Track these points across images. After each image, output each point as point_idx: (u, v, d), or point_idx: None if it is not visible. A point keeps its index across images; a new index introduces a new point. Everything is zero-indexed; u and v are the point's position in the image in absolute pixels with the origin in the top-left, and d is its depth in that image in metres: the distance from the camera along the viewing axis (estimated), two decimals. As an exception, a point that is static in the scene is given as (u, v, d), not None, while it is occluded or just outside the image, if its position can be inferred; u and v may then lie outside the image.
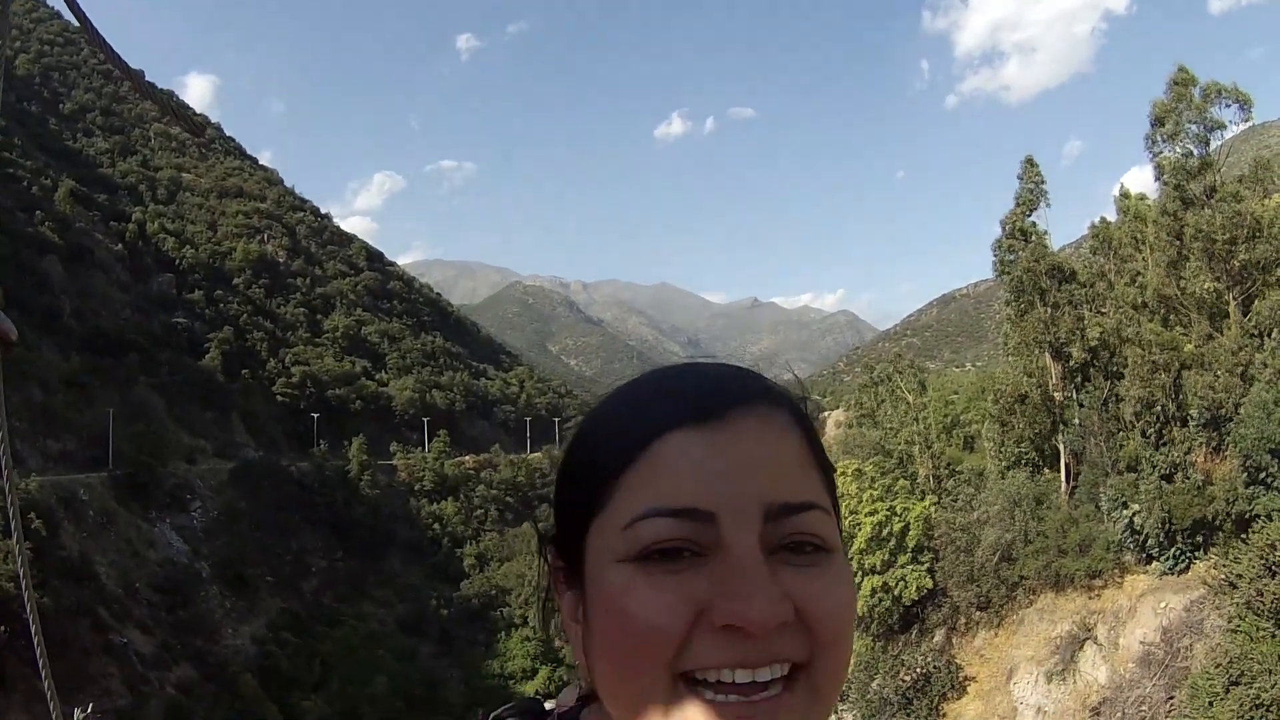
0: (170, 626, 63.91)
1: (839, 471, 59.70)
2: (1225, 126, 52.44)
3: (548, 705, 1.47)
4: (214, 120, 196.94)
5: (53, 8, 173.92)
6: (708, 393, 1.19)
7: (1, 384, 2.22)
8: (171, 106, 2.33)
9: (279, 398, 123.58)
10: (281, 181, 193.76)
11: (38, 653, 2.39)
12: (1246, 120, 53.27)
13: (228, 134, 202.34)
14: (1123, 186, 60.25)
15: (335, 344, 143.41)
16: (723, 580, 1.08)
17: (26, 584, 2.47)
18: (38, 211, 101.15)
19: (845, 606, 1.15)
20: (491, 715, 1.43)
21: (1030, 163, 58.58)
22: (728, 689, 1.09)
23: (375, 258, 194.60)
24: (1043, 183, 58.20)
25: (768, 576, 1.08)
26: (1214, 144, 52.31)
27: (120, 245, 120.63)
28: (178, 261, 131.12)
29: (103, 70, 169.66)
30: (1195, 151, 51.78)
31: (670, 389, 1.22)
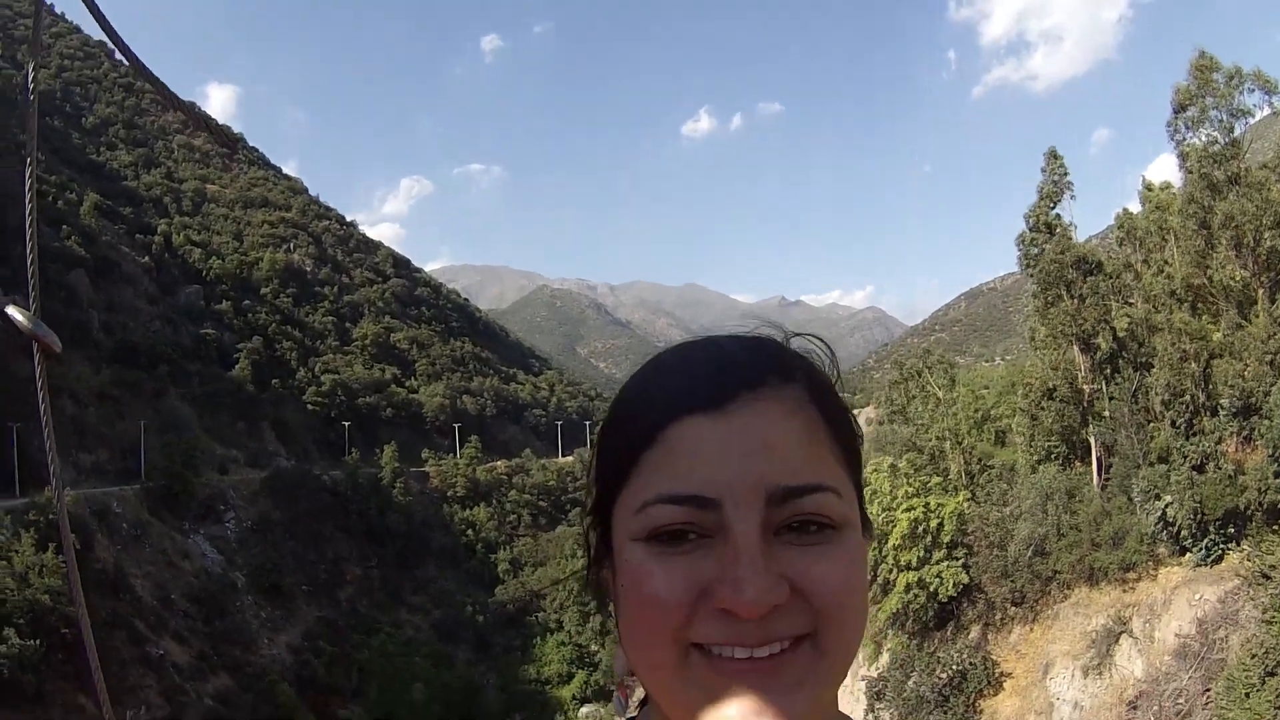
0: (206, 637, 64.27)
1: (872, 469, 59.96)
2: (1251, 113, 52.04)
3: None
4: (237, 130, 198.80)
5: (72, 23, 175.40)
6: (717, 377, 1.24)
7: (48, 395, 2.28)
8: (208, 122, 2.35)
9: (309, 406, 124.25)
10: (306, 190, 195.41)
11: (93, 667, 2.44)
12: (1272, 105, 52.85)
13: (251, 144, 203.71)
14: (1145, 179, 59.92)
15: (364, 352, 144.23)
16: (723, 564, 1.16)
17: (79, 598, 2.52)
18: (64, 226, 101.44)
19: (847, 582, 1.20)
20: None
21: (1053, 155, 58.05)
22: (728, 658, 1.17)
23: (402, 264, 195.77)
24: (1066, 175, 57.69)
25: (761, 563, 1.15)
26: (1238, 130, 51.93)
27: (147, 258, 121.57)
28: (205, 273, 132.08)
29: (124, 84, 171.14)
30: (1220, 138, 51.34)
31: (683, 373, 1.28)
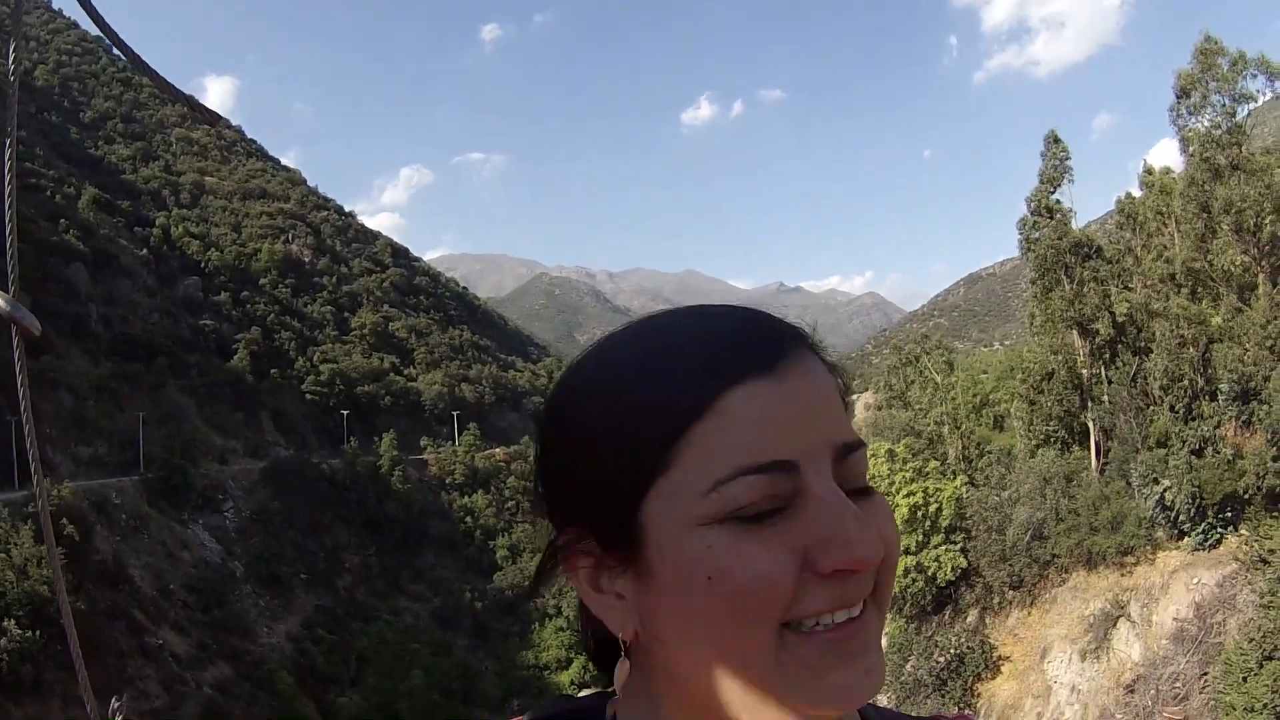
0: (205, 626, 64.25)
1: (870, 453, 59.97)
2: (1254, 98, 51.93)
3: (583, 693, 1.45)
4: (235, 123, 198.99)
5: (70, 19, 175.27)
6: (762, 340, 1.14)
7: (27, 379, 2.24)
8: (183, 94, 2.30)
9: (308, 396, 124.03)
10: (304, 181, 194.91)
11: (73, 651, 2.40)
12: (1275, 91, 52.75)
13: (249, 136, 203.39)
14: (1145, 163, 59.81)
15: (363, 341, 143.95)
16: (819, 527, 1.07)
17: (59, 585, 2.48)
18: (62, 220, 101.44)
19: (898, 539, 1.18)
20: (529, 716, 1.34)
21: (1054, 139, 57.96)
22: (825, 629, 1.09)
23: (401, 254, 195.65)
24: (1067, 158, 57.58)
25: (862, 516, 1.08)
26: (1240, 115, 51.83)
27: (145, 250, 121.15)
28: (203, 264, 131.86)
29: (122, 78, 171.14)
30: (1222, 123, 51.22)
31: (724, 338, 1.14)
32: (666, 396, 1.11)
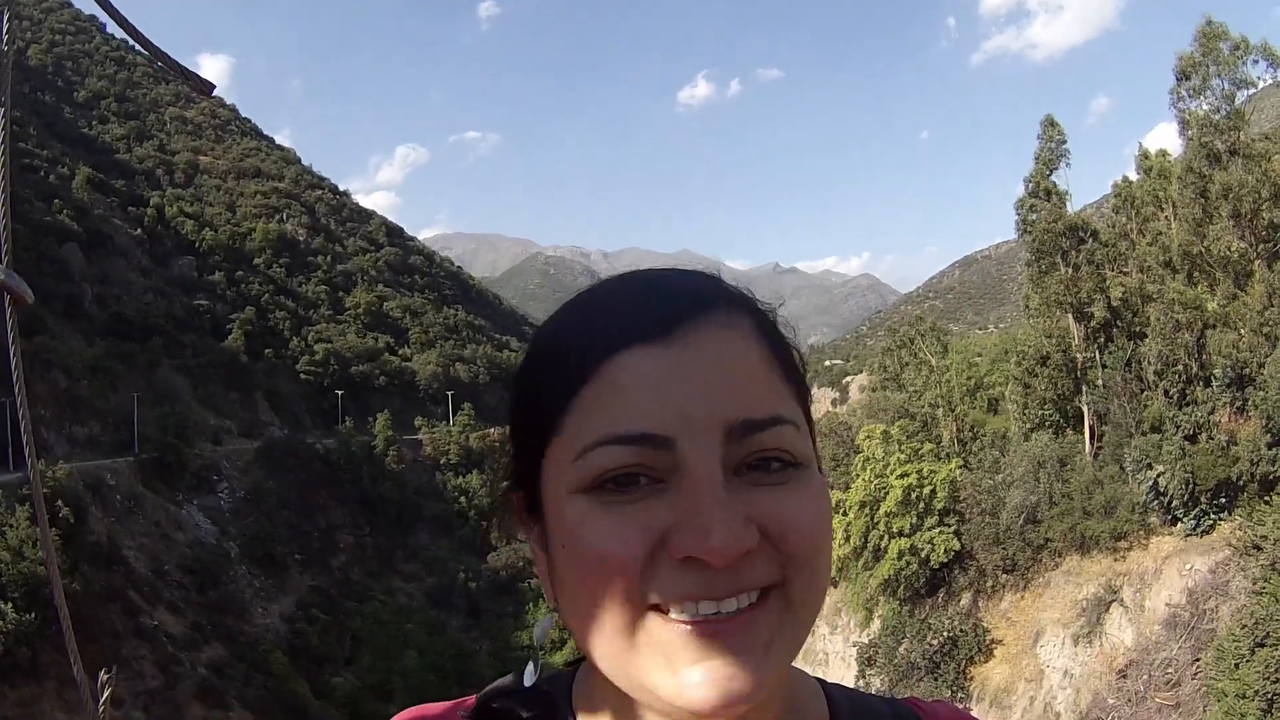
0: (200, 607, 64.24)
1: (865, 435, 60.09)
2: (1254, 84, 51.82)
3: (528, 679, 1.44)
4: (230, 102, 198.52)
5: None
6: (662, 305, 1.09)
7: (20, 349, 2.25)
8: (175, 62, 2.28)
9: (303, 376, 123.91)
10: (299, 160, 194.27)
11: (65, 632, 2.42)
12: (1275, 78, 52.67)
13: (244, 115, 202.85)
14: (1142, 147, 59.67)
15: (357, 320, 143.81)
16: (682, 508, 1.01)
17: (52, 566, 2.50)
18: (56, 200, 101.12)
19: (818, 523, 1.07)
20: (478, 698, 1.33)
21: (1050, 122, 57.89)
22: (689, 620, 1.02)
23: (395, 233, 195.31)
24: (1064, 141, 57.56)
25: (728, 502, 1.00)
26: (1239, 100, 51.71)
27: (139, 230, 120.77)
28: (198, 244, 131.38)
29: (115, 57, 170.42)
30: (1222, 107, 51.11)
31: (621, 304, 1.12)
32: (560, 364, 1.10)
